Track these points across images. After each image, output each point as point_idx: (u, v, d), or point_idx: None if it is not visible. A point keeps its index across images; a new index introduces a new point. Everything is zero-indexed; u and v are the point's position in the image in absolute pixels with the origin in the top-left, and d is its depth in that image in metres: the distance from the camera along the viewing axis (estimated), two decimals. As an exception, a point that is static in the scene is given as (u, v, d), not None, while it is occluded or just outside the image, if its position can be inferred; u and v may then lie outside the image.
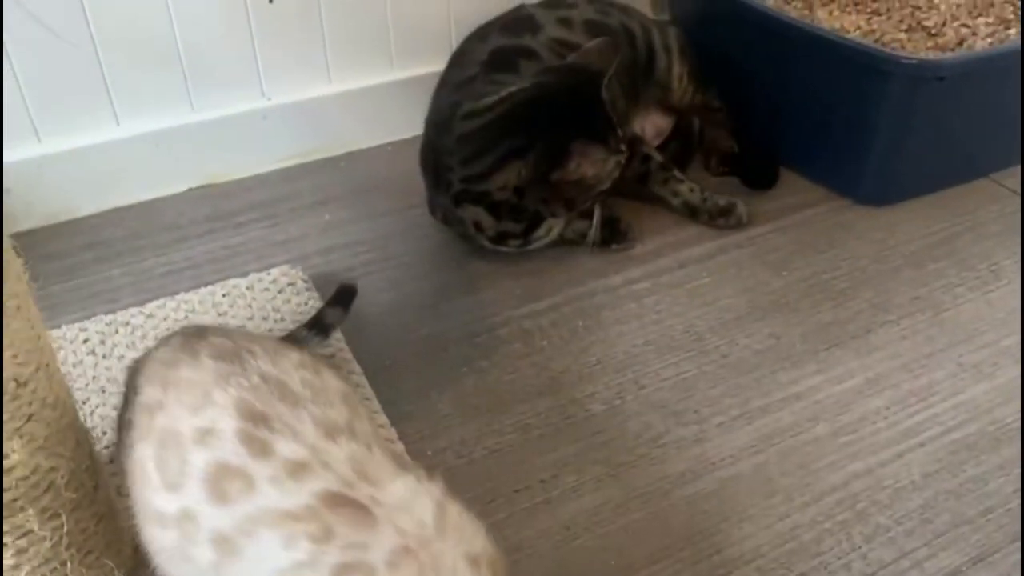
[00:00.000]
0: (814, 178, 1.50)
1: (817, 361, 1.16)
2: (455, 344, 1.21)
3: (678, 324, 1.23)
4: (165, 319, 1.17)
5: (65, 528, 0.74)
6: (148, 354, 0.76)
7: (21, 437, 0.69)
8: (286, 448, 0.63)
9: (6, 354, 0.67)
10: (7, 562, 0.72)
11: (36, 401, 0.71)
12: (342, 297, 1.17)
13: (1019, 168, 1.50)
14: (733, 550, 0.94)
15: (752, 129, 1.52)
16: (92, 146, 1.41)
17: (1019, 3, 1.61)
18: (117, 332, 1.14)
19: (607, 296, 1.28)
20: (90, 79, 1.37)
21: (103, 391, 1.06)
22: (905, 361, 1.16)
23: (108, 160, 1.43)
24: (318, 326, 1.11)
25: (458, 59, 1.42)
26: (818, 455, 1.04)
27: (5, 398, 0.67)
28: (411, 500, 0.63)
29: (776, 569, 0.92)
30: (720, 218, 1.38)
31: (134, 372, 0.75)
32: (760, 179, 1.49)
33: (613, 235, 1.35)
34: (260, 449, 0.63)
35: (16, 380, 0.68)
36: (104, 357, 1.11)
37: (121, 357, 1.11)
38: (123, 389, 0.77)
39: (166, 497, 0.65)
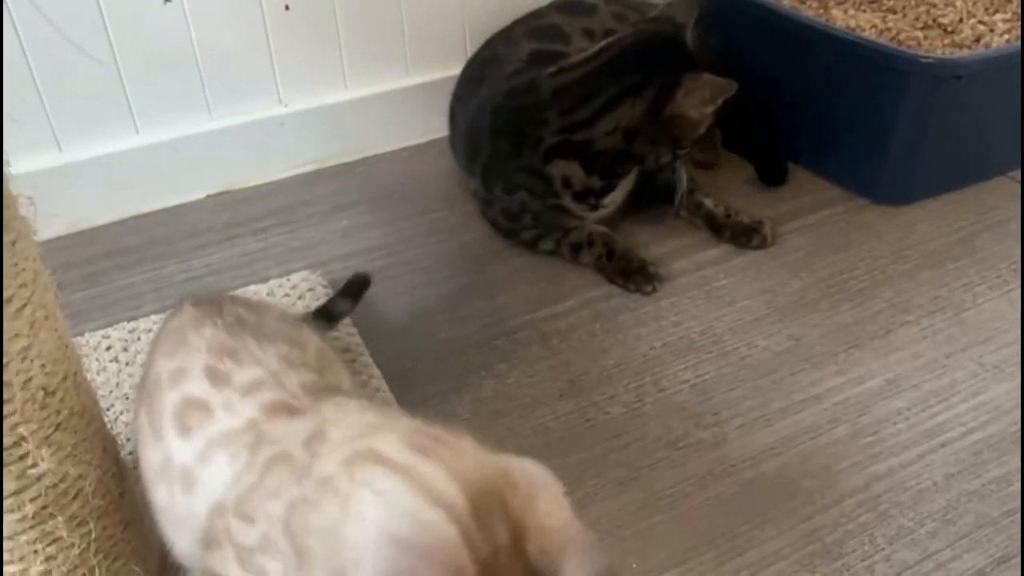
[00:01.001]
0: (832, 178, 1.49)
1: (837, 362, 1.16)
2: (474, 348, 1.21)
3: (696, 326, 1.23)
4: (186, 326, 1.17)
5: (93, 535, 0.75)
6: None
7: (50, 446, 0.70)
8: (246, 374, 0.65)
9: (35, 363, 0.68)
10: (37, 568, 0.73)
11: (64, 410, 0.71)
12: (354, 287, 1.17)
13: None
14: (755, 552, 0.94)
15: (768, 129, 1.52)
16: (112, 154, 1.42)
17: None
18: (140, 339, 1.16)
19: (624, 299, 1.28)
20: (110, 88, 1.38)
21: (126, 398, 1.07)
22: (926, 361, 1.15)
23: (127, 168, 1.44)
24: (326, 314, 1.12)
25: (490, 61, 1.44)
26: (839, 457, 1.03)
27: (34, 407, 0.68)
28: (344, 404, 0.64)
29: (799, 571, 0.91)
30: (743, 237, 1.36)
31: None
32: (769, 177, 1.49)
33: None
34: (222, 379, 0.65)
35: (44, 389, 0.69)
36: (127, 364, 1.12)
37: (144, 364, 1.12)
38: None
39: (153, 448, 0.68)
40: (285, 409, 0.63)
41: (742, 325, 1.22)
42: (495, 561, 0.51)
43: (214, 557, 0.63)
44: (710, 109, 1.26)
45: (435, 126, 1.61)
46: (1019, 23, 1.55)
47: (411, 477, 0.52)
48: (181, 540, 0.70)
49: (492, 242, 1.40)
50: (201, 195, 1.51)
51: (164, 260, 1.38)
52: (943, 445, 1.04)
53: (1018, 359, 1.15)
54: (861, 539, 0.94)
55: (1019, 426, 1.05)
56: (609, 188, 1.32)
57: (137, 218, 1.46)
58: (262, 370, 0.66)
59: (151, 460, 0.69)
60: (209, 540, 0.63)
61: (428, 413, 1.06)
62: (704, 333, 1.21)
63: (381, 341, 1.20)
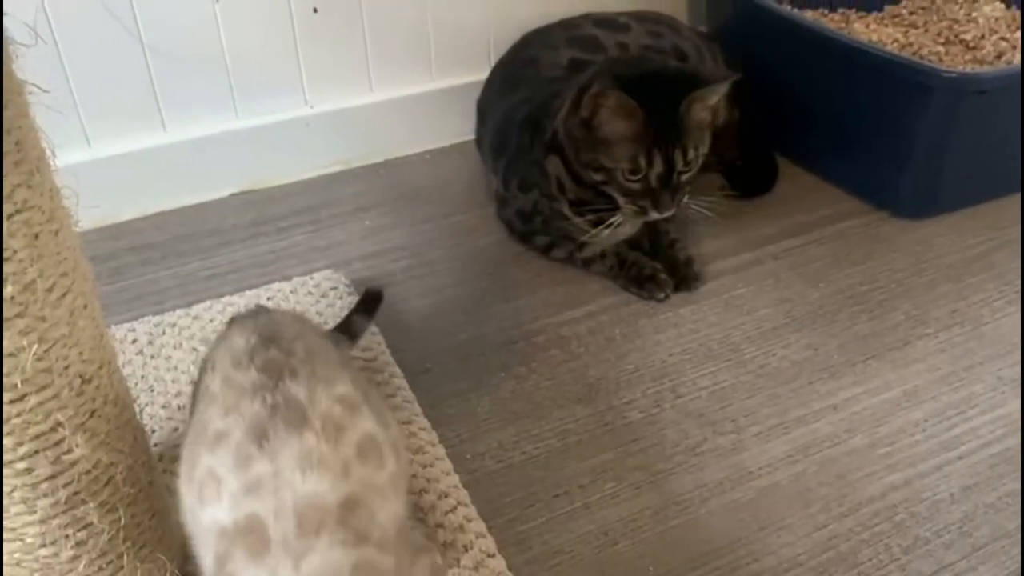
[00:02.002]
0: (851, 190, 1.50)
1: (855, 373, 1.17)
2: (493, 350, 1.22)
3: (715, 334, 1.23)
4: (211, 320, 1.19)
5: (122, 522, 0.77)
6: (224, 338, 0.78)
7: (85, 432, 0.71)
8: (256, 467, 0.64)
9: (73, 351, 0.69)
10: (67, 553, 0.75)
11: (99, 398, 0.73)
12: (368, 303, 1.18)
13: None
14: (771, 558, 0.94)
15: (789, 142, 1.53)
16: (139, 151, 1.44)
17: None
18: (164, 333, 1.17)
19: (643, 305, 1.29)
20: (139, 85, 1.40)
21: (151, 390, 1.09)
22: (943, 374, 1.16)
23: (154, 165, 1.46)
24: (346, 333, 1.12)
25: (530, 63, 1.45)
26: (856, 466, 1.04)
27: (71, 394, 0.69)
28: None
29: (815, 577, 0.92)
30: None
31: (213, 347, 0.79)
32: (757, 184, 1.50)
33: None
34: (242, 462, 0.65)
35: (81, 377, 0.70)
36: (152, 357, 1.14)
37: (168, 357, 1.14)
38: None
39: (187, 499, 0.69)
40: (257, 544, 0.62)
41: (761, 334, 1.23)
42: None
43: None
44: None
45: (457, 130, 1.63)
46: (1042, 40, 1.56)
47: None
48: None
49: (512, 246, 1.41)
50: (226, 193, 1.53)
51: (189, 256, 1.39)
52: (960, 457, 1.04)
53: (1036, 374, 1.15)
54: (876, 548, 0.95)
55: (1036, 440, 1.06)
56: (595, 208, 1.27)
57: (162, 214, 1.48)
58: (270, 467, 0.64)
59: (184, 504, 0.70)
60: None
61: (447, 413, 1.10)
62: (723, 341, 1.22)
63: (402, 341, 1.22)
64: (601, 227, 1.26)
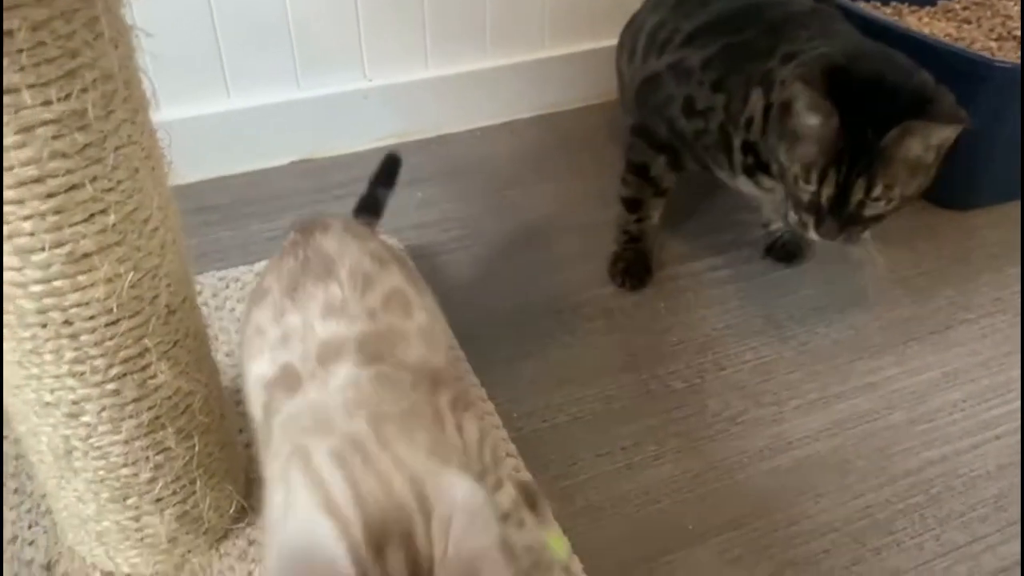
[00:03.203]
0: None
1: (895, 353, 1.19)
2: (541, 319, 1.26)
3: (759, 311, 1.26)
4: (272, 278, 1.24)
5: (196, 449, 0.82)
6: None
7: (168, 360, 0.76)
8: (289, 319, 0.69)
9: (162, 282, 0.74)
10: (146, 475, 0.80)
11: (182, 329, 0.78)
12: (386, 171, 1.15)
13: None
14: (808, 523, 0.97)
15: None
16: (205, 116, 1.49)
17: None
18: (228, 287, 1.22)
19: (690, 281, 1.32)
20: (207, 53, 1.45)
21: (216, 339, 1.14)
22: (984, 359, 1.18)
23: (218, 130, 1.51)
24: (369, 207, 1.09)
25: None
26: (894, 441, 1.06)
27: (159, 323, 0.74)
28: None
29: (849, 543, 0.95)
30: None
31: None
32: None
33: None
34: (276, 316, 0.70)
35: (168, 307, 0.75)
36: (217, 309, 1.19)
37: (232, 310, 1.19)
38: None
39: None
40: (291, 381, 0.66)
41: (803, 313, 1.26)
42: None
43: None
44: None
45: (511, 108, 1.67)
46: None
47: (321, 490, 0.53)
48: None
49: (561, 220, 1.45)
50: (285, 161, 1.58)
51: (249, 219, 1.44)
52: (998, 437, 1.06)
53: (1077, 362, 1.17)
54: (912, 518, 0.97)
55: (1075, 424, 1.08)
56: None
57: (225, 179, 1.53)
58: (300, 319, 0.69)
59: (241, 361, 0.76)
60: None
61: (494, 377, 1.13)
62: (766, 318, 1.25)
63: (450, 308, 1.24)
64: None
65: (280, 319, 0.70)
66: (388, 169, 1.16)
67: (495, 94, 1.67)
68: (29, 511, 0.93)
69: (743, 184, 1.20)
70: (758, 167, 1.15)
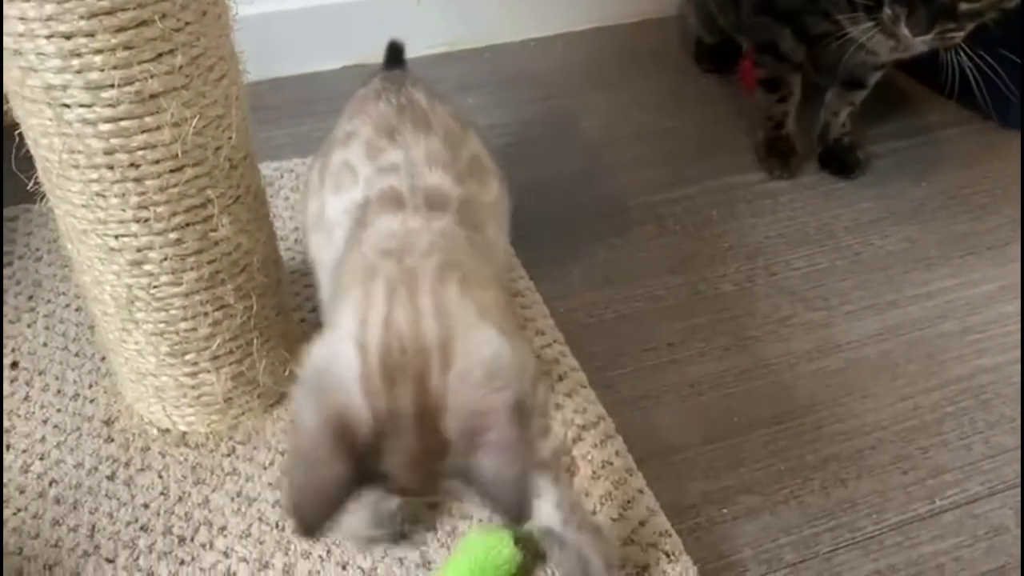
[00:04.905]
0: (960, 101, 1.47)
1: (951, 266, 1.17)
2: (589, 222, 1.25)
3: (812, 221, 1.24)
4: (325, 170, 1.25)
5: (254, 309, 0.83)
6: (365, 93, 0.82)
7: (229, 215, 0.77)
8: (390, 155, 0.67)
9: (225, 135, 0.75)
10: (204, 330, 0.81)
11: (243, 185, 0.79)
12: (393, 57, 1.10)
13: None
14: (855, 421, 0.97)
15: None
16: (257, 16, 1.49)
17: None
18: (283, 177, 1.23)
19: (743, 191, 1.30)
20: (264, -49, 1.45)
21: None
22: (1042, 275, 1.15)
23: (273, 32, 1.51)
24: None
25: None
26: (945, 348, 1.05)
27: (221, 175, 0.75)
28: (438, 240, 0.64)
29: (896, 441, 0.94)
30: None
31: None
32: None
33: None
34: (373, 153, 0.68)
35: (230, 161, 0.76)
36: (271, 197, 1.20)
37: (286, 198, 1.20)
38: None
39: (314, 197, 0.73)
40: (393, 202, 0.64)
41: (858, 225, 1.24)
42: (392, 422, 0.50)
43: None
44: None
45: (564, 20, 1.64)
46: None
47: (360, 313, 0.54)
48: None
49: (612, 130, 1.43)
50: (338, 65, 1.58)
51: (302, 119, 1.45)
52: (1052, 349, 1.05)
53: None
54: (961, 421, 0.97)
55: None
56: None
57: (277, 80, 1.54)
58: (403, 156, 0.67)
59: (311, 209, 0.74)
60: None
61: (541, 274, 1.14)
62: (820, 228, 1.23)
63: (501, 208, 1.26)
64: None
65: (377, 156, 0.68)
66: (393, 55, 1.11)
67: (550, 4, 1.64)
68: (89, 372, 0.96)
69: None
70: None
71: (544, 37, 1.67)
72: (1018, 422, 0.96)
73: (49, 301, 1.05)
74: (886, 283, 1.14)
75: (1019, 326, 1.08)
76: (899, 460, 0.93)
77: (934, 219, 1.25)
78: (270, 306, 0.86)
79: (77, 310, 1.04)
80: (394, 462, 0.51)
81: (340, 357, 0.51)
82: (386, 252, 0.59)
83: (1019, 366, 1.03)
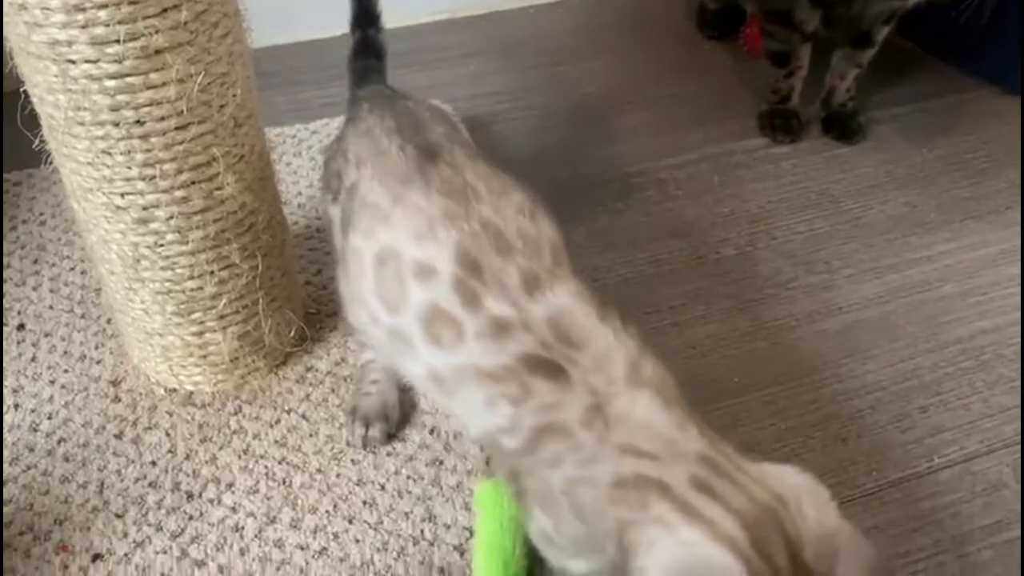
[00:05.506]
0: (962, 67, 1.47)
1: (951, 230, 1.17)
2: (590, 187, 1.26)
3: (814, 186, 1.25)
4: (328, 135, 1.25)
5: (259, 269, 0.84)
6: (376, 136, 0.73)
7: (234, 174, 0.78)
8: (493, 304, 0.62)
9: (230, 92, 0.75)
10: (210, 289, 0.82)
11: (247, 144, 0.79)
12: (362, 10, 1.06)
13: None
14: (854, 381, 0.97)
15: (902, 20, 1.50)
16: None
17: None
18: (284, 143, 1.24)
19: (745, 157, 1.30)
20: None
21: (271, 190, 1.16)
22: (1044, 239, 1.16)
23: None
24: (367, 50, 1.03)
25: None
26: (945, 310, 1.06)
27: (226, 132, 0.75)
28: (605, 357, 0.62)
29: (895, 400, 0.95)
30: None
31: (355, 140, 0.76)
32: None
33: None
34: (470, 299, 0.63)
35: (235, 119, 0.76)
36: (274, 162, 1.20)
37: (288, 163, 1.20)
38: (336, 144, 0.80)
39: (382, 309, 0.67)
40: (543, 366, 0.61)
41: (859, 189, 1.24)
42: None
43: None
44: None
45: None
46: None
47: (696, 516, 0.54)
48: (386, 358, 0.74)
49: (614, 96, 1.43)
50: (337, 32, 1.56)
51: (303, 86, 1.45)
52: (1053, 311, 1.05)
53: None
54: (960, 381, 0.97)
55: None
56: None
57: (276, 47, 1.54)
58: (506, 304, 0.62)
59: (371, 307, 0.68)
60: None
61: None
62: (821, 193, 1.23)
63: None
64: None
65: (477, 305, 0.63)
66: (362, 9, 1.06)
67: (551, -28, 1.64)
68: (96, 334, 0.97)
69: None
70: None
71: (545, 3, 1.67)
72: (1017, 382, 0.97)
73: (54, 265, 1.06)
74: (887, 247, 1.15)
75: (1019, 289, 1.08)
76: (898, 419, 0.94)
77: (935, 184, 1.25)
78: (275, 267, 0.86)
79: (82, 273, 1.04)
80: None
81: (712, 560, 0.53)
82: (639, 454, 0.58)
83: (1018, 328, 1.03)
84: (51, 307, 1.00)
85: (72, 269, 1.05)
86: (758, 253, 1.14)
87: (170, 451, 0.84)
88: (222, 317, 0.84)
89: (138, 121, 0.70)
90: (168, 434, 0.86)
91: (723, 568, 0.53)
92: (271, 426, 0.86)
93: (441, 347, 0.64)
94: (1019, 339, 1.02)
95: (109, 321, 0.97)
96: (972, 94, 1.43)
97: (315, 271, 1.04)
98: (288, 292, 0.90)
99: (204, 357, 0.87)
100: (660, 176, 1.27)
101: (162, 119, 0.71)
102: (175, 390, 0.90)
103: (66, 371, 0.93)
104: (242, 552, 0.76)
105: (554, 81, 1.48)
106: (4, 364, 0.94)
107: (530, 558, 0.75)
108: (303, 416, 0.87)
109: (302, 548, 0.76)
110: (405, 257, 0.65)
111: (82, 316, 0.99)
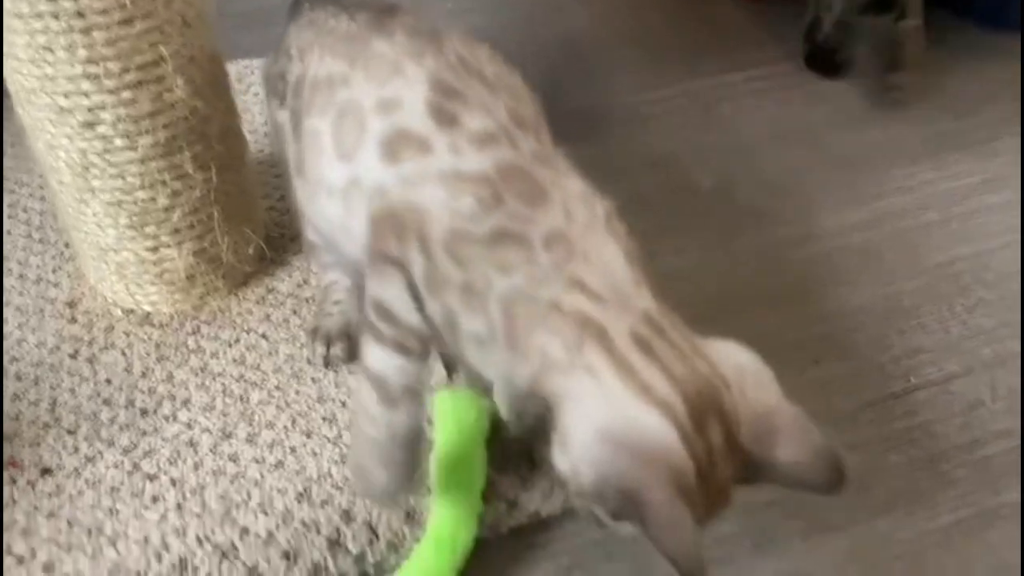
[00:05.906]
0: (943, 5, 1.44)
1: (935, 161, 1.15)
2: (565, 120, 1.18)
3: (795, 120, 1.22)
4: (297, 67, 1.22)
5: (214, 182, 0.81)
6: (321, 22, 0.71)
7: (183, 75, 0.75)
8: (476, 121, 0.60)
9: (177, -11, 0.72)
10: (163, 201, 0.79)
11: (196, 44, 0.76)
12: None
13: None
14: (835, 305, 0.96)
15: None
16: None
17: None
18: (253, 74, 1.21)
19: (726, 91, 1.28)
20: None
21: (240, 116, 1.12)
22: (1027, 169, 1.13)
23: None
24: None
25: None
26: (926, 237, 1.04)
27: (174, 30, 0.73)
28: (589, 197, 0.62)
29: (876, 323, 0.93)
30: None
31: (296, 33, 0.73)
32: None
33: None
34: (447, 119, 0.60)
35: (183, 17, 0.73)
36: (241, 94, 1.17)
37: (256, 93, 1.18)
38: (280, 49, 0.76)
39: (338, 168, 0.64)
40: (521, 178, 0.58)
41: (841, 122, 1.22)
42: (710, 460, 0.50)
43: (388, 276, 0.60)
44: None
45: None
46: None
47: (631, 375, 0.51)
48: (346, 247, 0.69)
49: (592, 31, 1.41)
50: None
51: (270, 26, 1.40)
52: (1035, 238, 1.03)
53: None
54: (939, 305, 0.95)
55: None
56: None
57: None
58: (493, 123, 0.60)
59: (327, 176, 0.65)
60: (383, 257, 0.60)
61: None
62: (802, 126, 1.21)
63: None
64: None
65: (452, 123, 0.61)
66: None
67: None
68: (53, 258, 0.94)
69: None
70: None
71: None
72: (996, 306, 0.95)
73: (12, 192, 1.03)
74: (868, 177, 1.12)
75: (1000, 216, 1.06)
76: (876, 340, 0.92)
77: (918, 117, 1.22)
78: (231, 182, 0.84)
79: (41, 199, 1.02)
80: (709, 493, 0.51)
81: (646, 426, 0.50)
82: (590, 296, 0.54)
83: (998, 253, 1.01)
84: (9, 232, 0.98)
85: (31, 195, 1.02)
86: (737, 184, 1.12)
87: (126, 369, 0.82)
88: (176, 231, 0.81)
89: (79, 13, 0.67)
90: (124, 353, 0.84)
91: (658, 436, 0.49)
92: (230, 345, 0.84)
93: (398, 162, 0.60)
94: (997, 264, 1.00)
95: (67, 245, 0.95)
96: (952, 31, 1.40)
97: (279, 196, 1.01)
98: (247, 211, 0.88)
99: (160, 275, 0.84)
100: (641, 111, 1.25)
101: (104, 12, 0.68)
102: (132, 311, 0.88)
103: (20, 294, 0.90)
104: (196, 466, 0.74)
105: (533, 16, 1.45)
106: (-43, 289, 0.91)
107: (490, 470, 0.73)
108: (263, 336, 0.85)
109: (257, 461, 0.74)
110: (366, 102, 0.63)
111: (40, 240, 0.97)
